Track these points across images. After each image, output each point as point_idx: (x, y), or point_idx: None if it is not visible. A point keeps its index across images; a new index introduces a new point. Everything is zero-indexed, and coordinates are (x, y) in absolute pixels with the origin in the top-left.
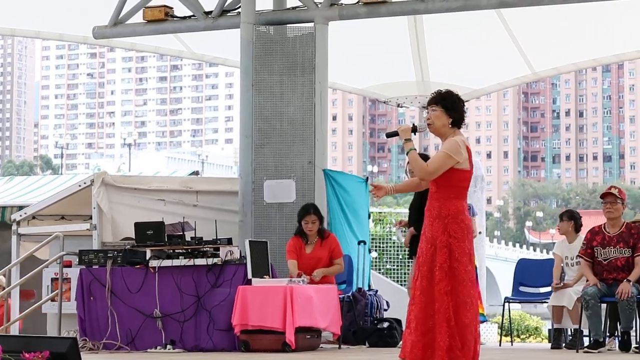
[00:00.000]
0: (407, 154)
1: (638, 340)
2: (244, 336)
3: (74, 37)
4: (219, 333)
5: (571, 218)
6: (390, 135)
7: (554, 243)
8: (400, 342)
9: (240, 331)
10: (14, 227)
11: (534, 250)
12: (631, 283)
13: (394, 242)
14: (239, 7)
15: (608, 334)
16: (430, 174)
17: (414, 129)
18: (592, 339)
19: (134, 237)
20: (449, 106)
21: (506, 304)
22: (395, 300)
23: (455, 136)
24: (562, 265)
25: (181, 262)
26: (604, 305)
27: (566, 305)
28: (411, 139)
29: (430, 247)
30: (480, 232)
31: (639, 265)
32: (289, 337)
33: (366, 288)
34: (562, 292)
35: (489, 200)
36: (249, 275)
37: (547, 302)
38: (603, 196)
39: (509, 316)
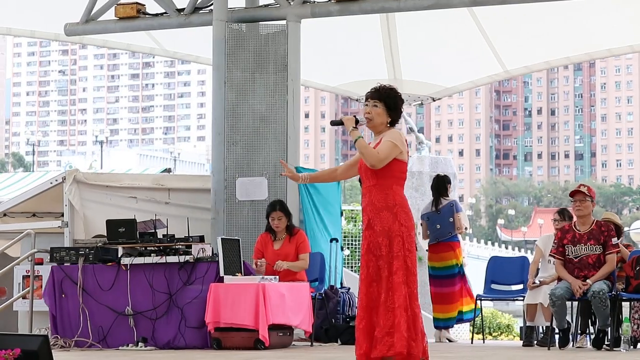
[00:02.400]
0: (354, 142)
1: (609, 337)
2: (216, 334)
3: (46, 34)
4: (191, 330)
5: (571, 218)
6: (335, 123)
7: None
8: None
9: (213, 329)
10: None
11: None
12: (591, 283)
13: None
14: (211, 4)
15: (579, 332)
16: (381, 160)
17: (356, 122)
18: (559, 332)
19: (105, 234)
20: (392, 105)
21: (478, 302)
22: None
23: (393, 128)
24: (540, 260)
25: (153, 259)
26: (575, 303)
27: (542, 302)
28: (357, 128)
29: (384, 240)
30: (466, 228)
31: (609, 262)
32: (263, 334)
33: (338, 286)
34: (538, 290)
35: (461, 198)
36: (221, 273)
37: (519, 300)
38: (572, 194)
39: (481, 314)
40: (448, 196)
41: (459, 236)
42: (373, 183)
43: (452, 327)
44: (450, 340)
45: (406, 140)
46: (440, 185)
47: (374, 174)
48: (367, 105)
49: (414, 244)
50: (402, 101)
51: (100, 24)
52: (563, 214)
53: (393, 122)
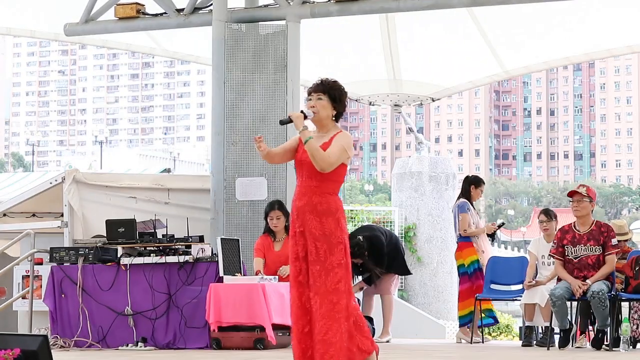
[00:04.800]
0: (305, 143)
1: (608, 337)
2: (216, 334)
3: (46, 34)
4: (190, 330)
5: (556, 217)
6: (284, 122)
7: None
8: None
9: (216, 328)
10: None
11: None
12: (590, 283)
13: None
14: (211, 4)
15: (579, 332)
16: (332, 165)
17: (304, 116)
18: (560, 332)
19: (105, 234)
20: (337, 98)
21: (477, 302)
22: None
23: (343, 131)
24: (536, 263)
25: (153, 259)
26: (574, 303)
27: (539, 303)
28: (307, 127)
29: (323, 245)
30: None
31: (609, 263)
32: (270, 334)
33: None
34: (534, 290)
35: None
36: (221, 273)
37: (518, 300)
38: (571, 194)
39: (480, 313)
40: (464, 197)
41: (473, 237)
42: (315, 184)
43: (465, 326)
44: (461, 340)
45: (354, 144)
46: (462, 185)
47: (317, 175)
48: (310, 99)
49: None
50: (346, 94)
51: (100, 24)
52: (548, 213)
53: (338, 116)
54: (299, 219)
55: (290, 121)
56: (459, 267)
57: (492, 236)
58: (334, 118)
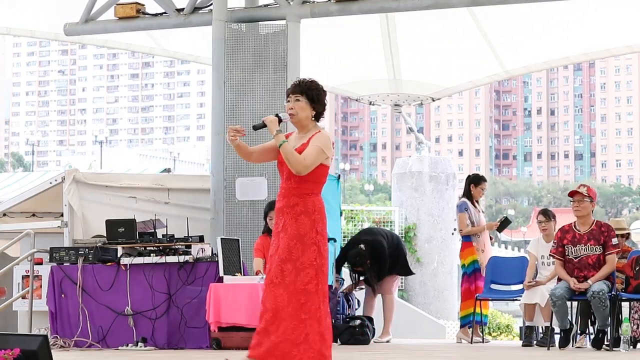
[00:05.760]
0: (279, 147)
1: (609, 337)
2: (216, 334)
3: (46, 33)
4: (190, 330)
5: (554, 217)
6: (257, 127)
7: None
8: (372, 340)
9: (216, 329)
10: None
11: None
12: (591, 283)
13: None
14: (211, 4)
15: (579, 332)
16: (307, 167)
17: (279, 120)
18: (560, 332)
19: (105, 234)
20: (315, 98)
21: (477, 302)
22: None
23: (322, 130)
24: (535, 264)
25: (153, 259)
26: (574, 303)
27: (539, 303)
28: (281, 130)
29: (297, 244)
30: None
31: (609, 263)
32: None
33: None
34: (534, 290)
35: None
36: (221, 273)
37: (518, 300)
38: (571, 194)
39: (481, 313)
40: (465, 196)
41: (472, 236)
42: (294, 186)
43: (465, 326)
44: (461, 340)
45: (333, 144)
46: (464, 185)
47: (295, 177)
48: (289, 101)
49: (327, 251)
50: (325, 93)
51: (100, 24)
52: (547, 214)
53: (318, 116)
54: (279, 220)
55: (264, 126)
56: (461, 267)
57: (500, 229)
58: (313, 118)
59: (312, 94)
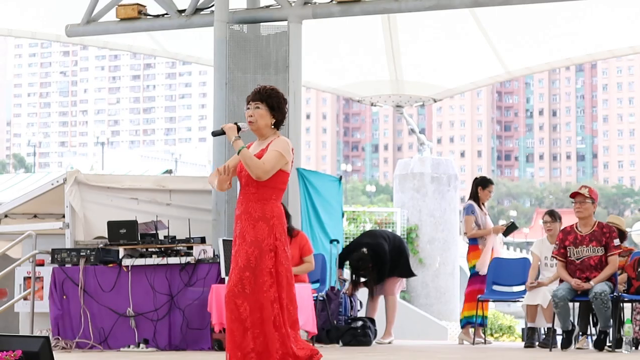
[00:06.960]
0: (238, 153)
1: (611, 339)
2: (217, 335)
3: (47, 35)
4: (192, 332)
5: (560, 218)
6: (216, 134)
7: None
8: (374, 341)
9: (220, 330)
10: None
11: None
12: (593, 284)
13: None
14: (213, 5)
15: (580, 333)
16: (267, 172)
17: (238, 129)
18: (563, 334)
19: (106, 235)
20: (275, 106)
21: (479, 303)
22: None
23: (281, 136)
24: (538, 264)
25: (154, 260)
26: (577, 304)
27: (540, 304)
28: (240, 137)
29: (255, 251)
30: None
31: (611, 264)
32: None
33: (339, 287)
34: (536, 291)
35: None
36: (222, 274)
37: (520, 301)
38: (573, 196)
39: (482, 315)
40: (472, 198)
41: (479, 239)
42: (252, 191)
43: (465, 327)
44: (463, 341)
45: (292, 149)
46: (471, 187)
47: (254, 182)
48: (249, 108)
49: (288, 258)
50: (285, 101)
51: (102, 25)
52: (553, 214)
53: (278, 124)
54: (237, 226)
55: (223, 133)
56: (469, 269)
57: (506, 234)
58: (273, 126)
59: (272, 101)
